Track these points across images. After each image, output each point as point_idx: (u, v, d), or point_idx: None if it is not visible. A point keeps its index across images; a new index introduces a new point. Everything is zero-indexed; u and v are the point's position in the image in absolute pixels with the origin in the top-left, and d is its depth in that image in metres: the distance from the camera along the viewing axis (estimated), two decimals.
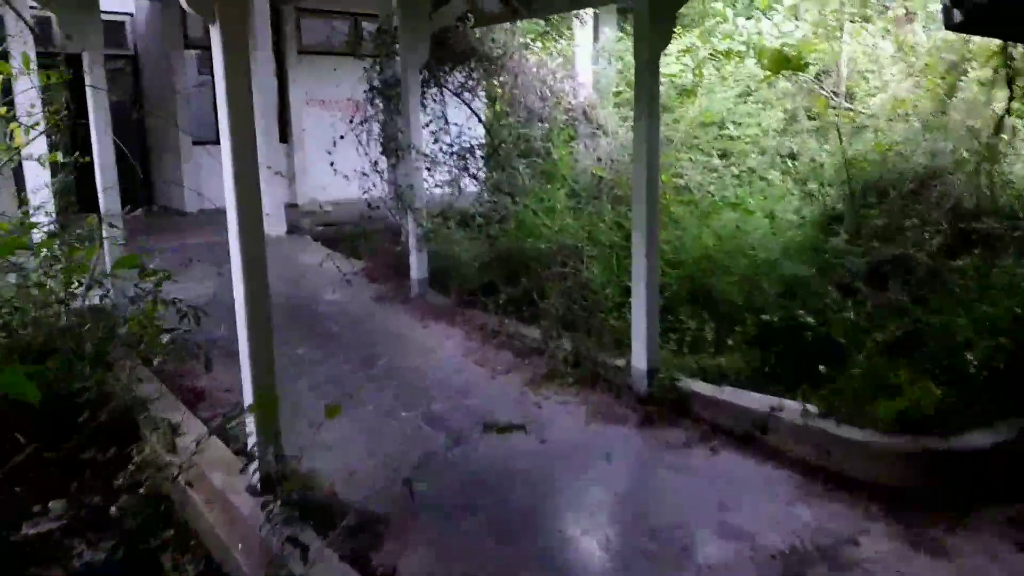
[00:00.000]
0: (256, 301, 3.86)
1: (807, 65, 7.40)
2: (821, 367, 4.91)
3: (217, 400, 5.14)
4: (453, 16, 7.83)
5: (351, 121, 8.62)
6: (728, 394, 5.03)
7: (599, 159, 9.23)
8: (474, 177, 9.21)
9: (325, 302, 7.31)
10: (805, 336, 5.61)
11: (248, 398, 3.89)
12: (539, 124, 9.27)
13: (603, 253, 6.92)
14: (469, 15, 8.20)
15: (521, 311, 6.65)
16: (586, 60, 10.96)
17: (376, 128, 8.93)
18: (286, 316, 6.89)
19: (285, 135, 13.24)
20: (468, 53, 8.91)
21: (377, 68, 9.09)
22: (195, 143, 12.35)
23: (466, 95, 9.80)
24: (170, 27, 11.92)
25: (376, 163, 8.58)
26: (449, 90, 9.49)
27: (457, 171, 9.21)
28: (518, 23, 9.35)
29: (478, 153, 9.47)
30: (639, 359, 5.38)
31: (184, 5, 3.64)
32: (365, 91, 8.69)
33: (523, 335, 6.28)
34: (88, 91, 6.57)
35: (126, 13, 13.03)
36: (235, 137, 3.70)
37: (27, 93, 7.34)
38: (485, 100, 10.26)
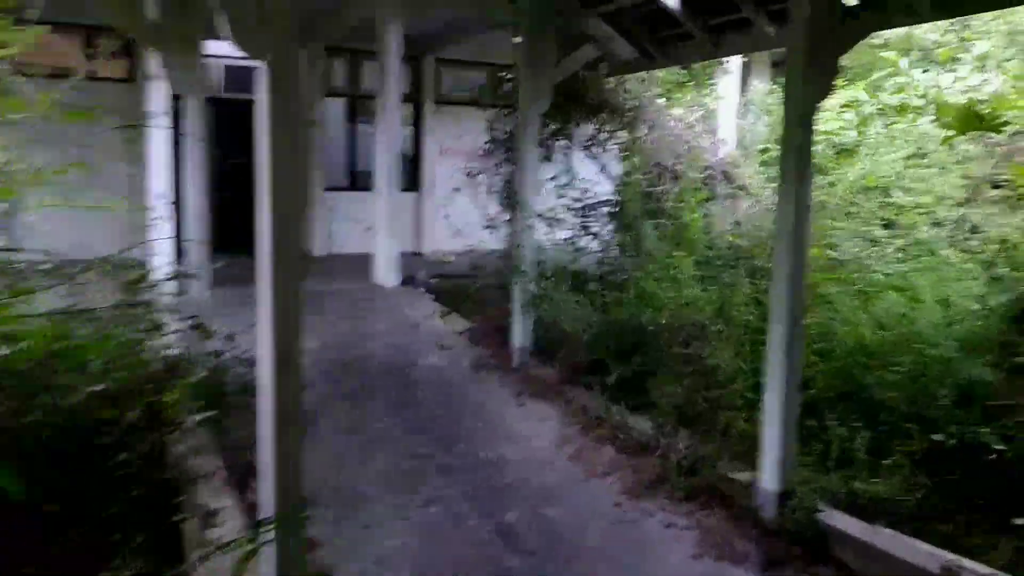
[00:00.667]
0: (286, 382, 3.18)
1: (1004, 124, 6.10)
2: (1017, 520, 3.67)
3: None
4: (581, 63, 7.13)
5: (468, 174, 8.10)
6: (885, 539, 3.86)
7: (737, 223, 8.16)
8: (595, 236, 8.39)
9: (420, 366, 6.67)
10: (988, 462, 4.36)
11: (268, 507, 3.20)
12: (671, 182, 8.35)
13: (734, 335, 5.87)
14: (601, 62, 7.48)
15: (632, 396, 5.72)
16: (730, 114, 9.95)
17: (498, 180, 8.39)
18: (374, 379, 6.31)
19: (416, 183, 13.02)
20: (599, 104, 8.19)
21: (502, 118, 8.59)
22: (327, 188, 12.32)
23: (596, 149, 9.07)
24: (313, 76, 12.03)
25: (491, 218, 7.99)
26: (576, 143, 8.79)
27: (579, 230, 8.45)
28: (657, 73, 8.54)
29: (603, 211, 8.68)
30: (769, 478, 4.32)
31: (232, 43, 3.10)
32: (486, 142, 8.17)
33: (630, 427, 5.33)
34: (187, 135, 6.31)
35: None
36: (275, 187, 3.08)
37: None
38: (616, 155, 9.48)
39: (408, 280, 9.62)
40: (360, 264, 9.66)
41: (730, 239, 7.64)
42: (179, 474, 4.28)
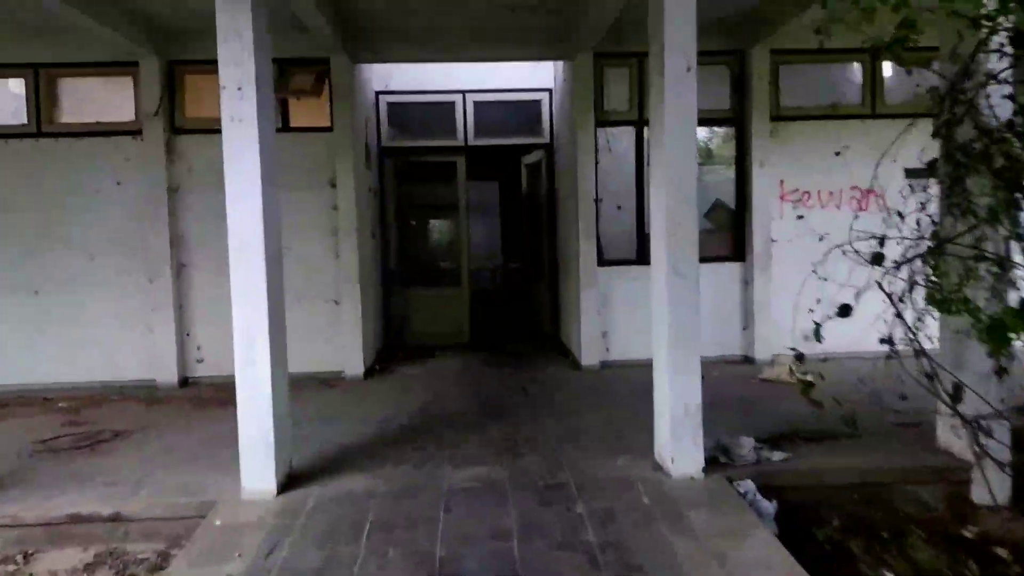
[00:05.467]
0: None
1: None
2: None
3: None
4: None
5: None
6: None
7: None
8: None
9: None
10: None
11: None
12: None
13: None
14: None
15: None
16: None
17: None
18: None
19: (742, 251, 7.99)
20: None
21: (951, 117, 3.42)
22: (602, 263, 7.86)
23: None
24: (580, 99, 7.76)
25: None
26: None
27: None
28: None
29: None
30: None
31: None
32: (914, 168, 3.09)
33: None
34: None
35: (543, 89, 9.40)
36: None
37: None
38: None
39: (720, 456, 4.63)
40: (645, 393, 4.98)
41: None
42: None
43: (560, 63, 8.70)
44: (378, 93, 9.15)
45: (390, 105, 9.26)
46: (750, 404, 6.16)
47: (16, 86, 7.40)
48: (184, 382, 7.51)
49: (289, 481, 4.46)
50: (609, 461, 4.77)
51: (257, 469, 4.27)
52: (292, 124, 7.65)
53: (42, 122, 7.38)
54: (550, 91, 9.36)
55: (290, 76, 7.48)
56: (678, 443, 4.40)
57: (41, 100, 7.37)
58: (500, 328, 10.65)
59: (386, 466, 4.80)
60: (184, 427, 5.92)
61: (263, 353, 4.24)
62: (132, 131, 7.40)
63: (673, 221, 4.38)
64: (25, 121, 7.37)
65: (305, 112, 7.66)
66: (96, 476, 4.75)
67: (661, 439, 4.59)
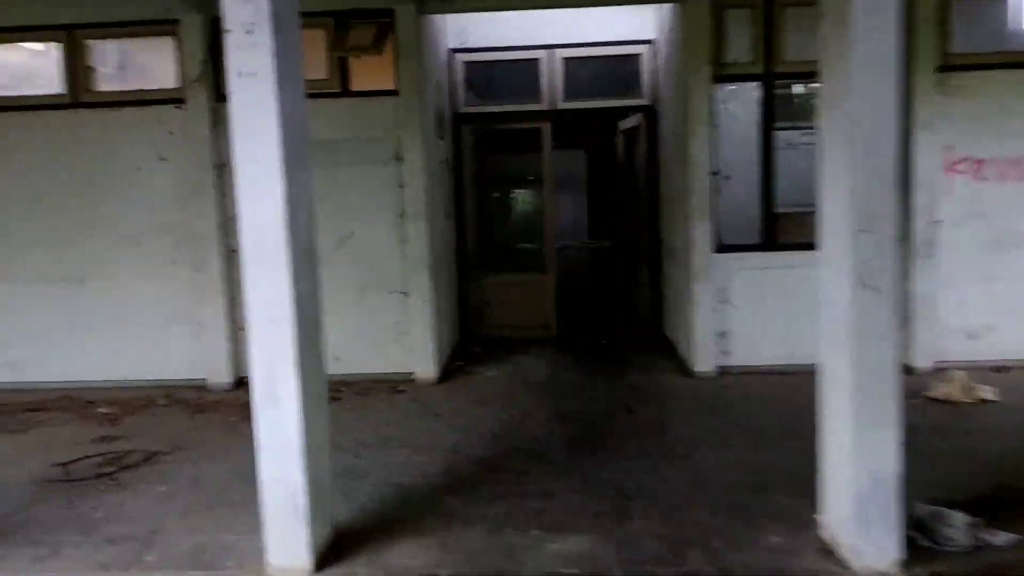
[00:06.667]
0: None
1: None
2: None
3: None
4: None
5: None
6: None
7: None
8: None
9: None
10: None
11: None
12: None
13: None
14: None
15: None
16: None
17: None
18: None
19: (905, 227, 6.38)
20: None
21: None
22: (719, 249, 6.46)
23: None
24: (693, 49, 6.29)
25: None
26: None
27: None
28: None
29: None
30: None
31: None
32: None
33: None
34: None
35: (643, 41, 7.94)
36: None
37: None
38: None
39: (918, 537, 3.27)
40: (785, 418, 3.57)
41: None
42: None
43: (666, 7, 7.22)
44: (452, 51, 7.91)
45: (467, 65, 8.01)
46: (925, 437, 4.67)
47: (49, 50, 6.54)
48: (240, 383, 6.60)
49: (331, 549, 3.36)
50: (755, 534, 3.47)
51: (284, 540, 3.19)
52: (352, 88, 6.51)
53: (78, 91, 6.51)
54: (652, 43, 7.91)
55: (348, 30, 6.33)
56: (864, 528, 3.06)
57: (76, 66, 6.49)
58: (590, 318, 9.37)
59: (454, 527, 3.65)
60: (223, 447, 4.96)
61: (290, 389, 3.12)
62: (175, 99, 6.45)
63: (862, 211, 2.99)
64: (60, 91, 6.52)
65: (367, 73, 6.50)
66: (103, 524, 3.80)
67: (836, 516, 3.25)
